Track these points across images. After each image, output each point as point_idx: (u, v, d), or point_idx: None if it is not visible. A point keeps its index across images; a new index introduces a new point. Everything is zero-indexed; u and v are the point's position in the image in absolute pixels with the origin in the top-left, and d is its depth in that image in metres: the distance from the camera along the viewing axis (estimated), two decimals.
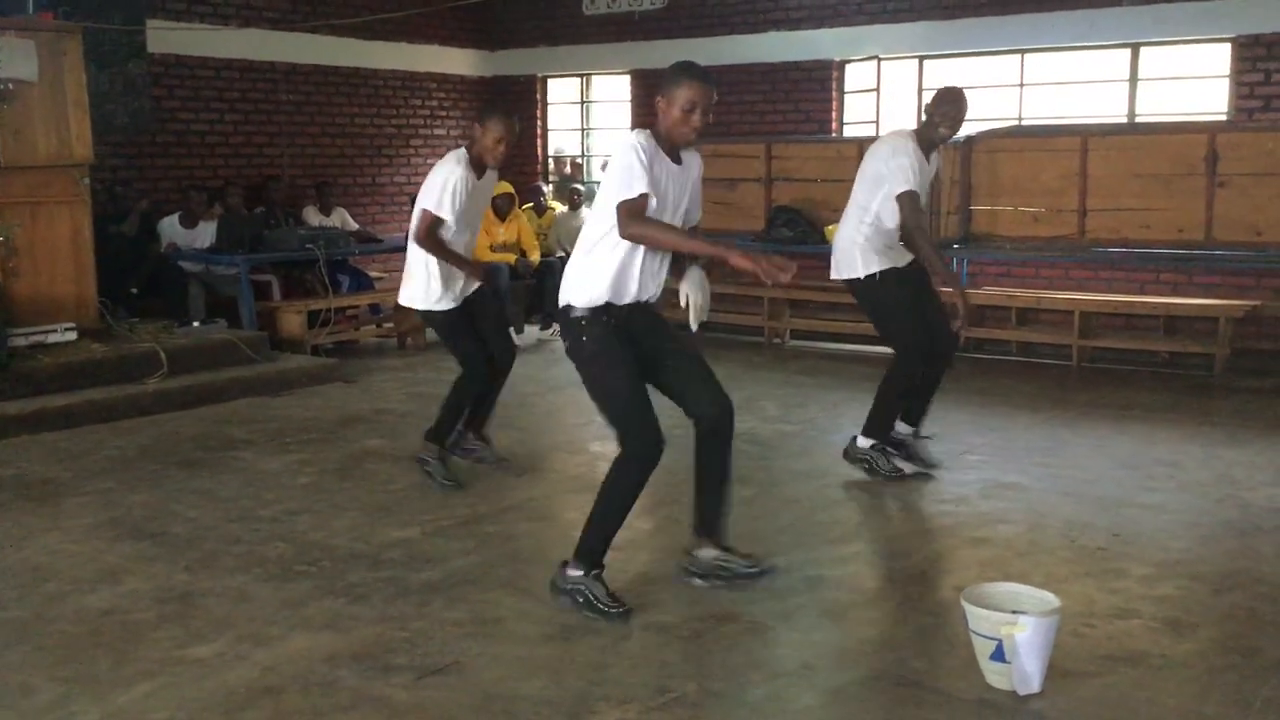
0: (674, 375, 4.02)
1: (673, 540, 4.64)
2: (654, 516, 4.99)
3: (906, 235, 5.37)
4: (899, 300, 5.43)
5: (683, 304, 4.01)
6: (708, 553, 4.18)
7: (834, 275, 5.56)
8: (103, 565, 4.56)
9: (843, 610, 4.14)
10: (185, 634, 3.88)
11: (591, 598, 3.94)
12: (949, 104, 5.36)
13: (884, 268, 5.38)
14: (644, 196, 3.75)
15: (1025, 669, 3.34)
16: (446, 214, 5.29)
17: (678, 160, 3.94)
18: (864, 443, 5.63)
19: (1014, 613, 3.41)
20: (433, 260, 5.38)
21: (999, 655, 3.37)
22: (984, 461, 5.98)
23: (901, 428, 5.71)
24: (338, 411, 7.33)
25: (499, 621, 3.96)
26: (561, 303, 3.98)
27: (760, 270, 3.63)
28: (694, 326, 4.02)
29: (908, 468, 5.66)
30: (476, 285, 5.56)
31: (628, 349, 3.91)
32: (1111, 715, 3.29)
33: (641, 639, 3.83)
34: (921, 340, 5.43)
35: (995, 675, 3.41)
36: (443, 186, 5.29)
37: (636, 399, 3.88)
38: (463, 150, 5.44)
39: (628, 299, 3.92)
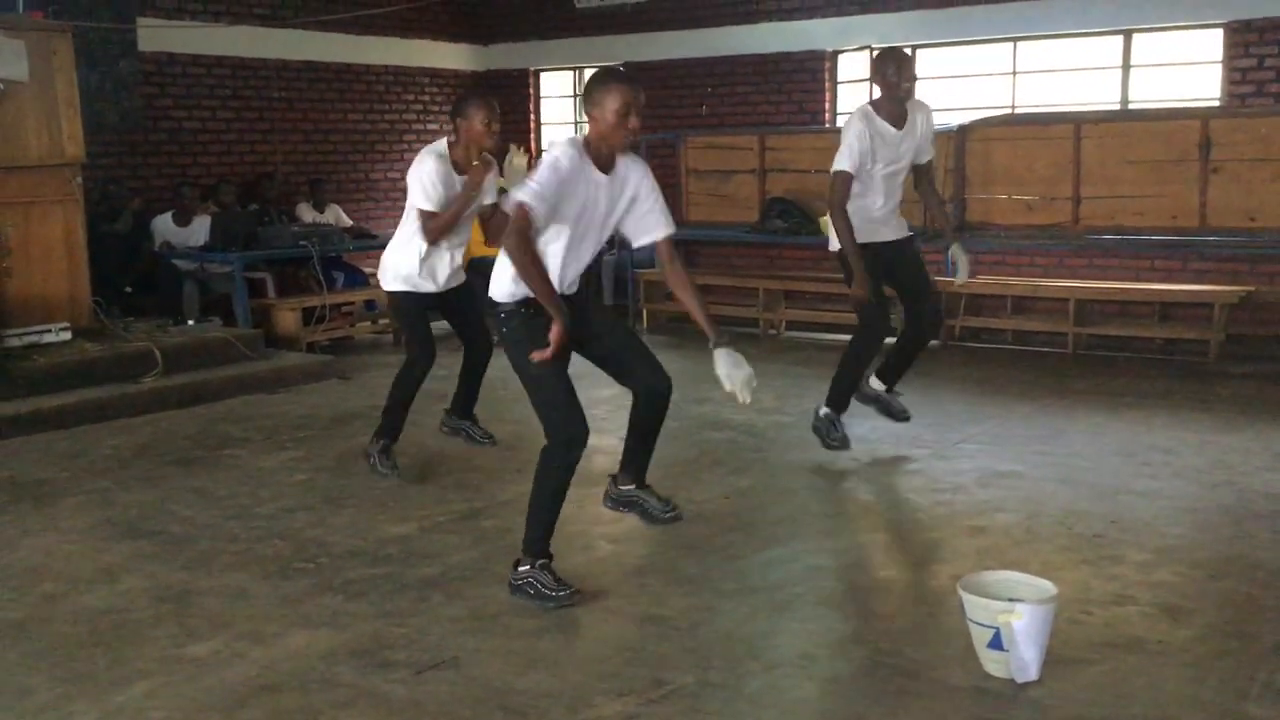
0: (610, 352, 4.04)
1: (669, 534, 4.63)
2: None
3: (828, 211, 5.49)
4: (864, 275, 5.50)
5: (726, 389, 3.97)
6: (627, 488, 4.37)
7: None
8: (100, 565, 4.56)
9: (840, 600, 4.15)
10: (183, 633, 3.88)
11: (540, 586, 3.99)
12: (890, 62, 5.40)
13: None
14: (529, 210, 3.72)
15: (1023, 657, 3.34)
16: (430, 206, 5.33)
17: (608, 170, 3.91)
18: (822, 411, 5.86)
19: (1011, 601, 3.41)
20: (411, 247, 5.39)
21: (997, 643, 3.37)
22: (980, 450, 5.98)
23: (875, 384, 5.92)
24: (333, 408, 7.32)
25: (496, 616, 3.96)
26: (490, 296, 4.02)
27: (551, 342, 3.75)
28: (745, 400, 3.97)
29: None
30: (460, 281, 5.54)
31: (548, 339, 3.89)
32: (1109, 702, 3.29)
33: (639, 631, 3.83)
34: (882, 318, 5.62)
35: (993, 663, 3.42)
36: (419, 180, 5.39)
37: (559, 389, 3.91)
38: (442, 143, 5.46)
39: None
